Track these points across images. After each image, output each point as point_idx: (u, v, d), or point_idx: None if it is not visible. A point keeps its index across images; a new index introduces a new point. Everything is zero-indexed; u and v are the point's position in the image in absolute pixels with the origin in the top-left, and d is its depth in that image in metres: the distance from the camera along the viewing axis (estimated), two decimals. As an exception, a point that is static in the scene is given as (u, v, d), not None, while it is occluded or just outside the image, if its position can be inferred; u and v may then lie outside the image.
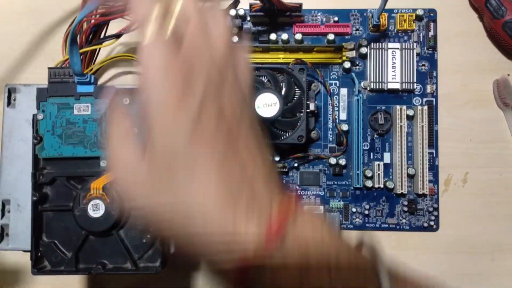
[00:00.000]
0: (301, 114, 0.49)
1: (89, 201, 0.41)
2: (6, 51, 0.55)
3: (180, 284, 0.52)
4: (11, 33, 0.55)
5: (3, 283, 0.52)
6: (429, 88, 0.53)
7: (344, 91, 0.53)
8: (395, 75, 0.52)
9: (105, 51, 0.52)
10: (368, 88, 0.52)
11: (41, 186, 0.43)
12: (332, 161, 0.51)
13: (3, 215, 0.44)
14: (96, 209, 0.41)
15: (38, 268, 0.42)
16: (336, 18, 0.53)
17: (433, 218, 0.51)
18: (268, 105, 0.48)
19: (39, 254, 0.42)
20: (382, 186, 0.51)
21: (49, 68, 0.44)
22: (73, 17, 0.54)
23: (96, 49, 0.48)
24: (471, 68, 0.53)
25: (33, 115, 0.43)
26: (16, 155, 0.44)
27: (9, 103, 0.45)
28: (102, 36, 0.48)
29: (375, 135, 0.52)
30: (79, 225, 0.42)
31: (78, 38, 0.46)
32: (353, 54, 0.51)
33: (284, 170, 0.52)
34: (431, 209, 0.51)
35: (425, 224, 0.51)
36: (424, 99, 0.52)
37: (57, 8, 0.54)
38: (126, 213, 0.42)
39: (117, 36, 0.47)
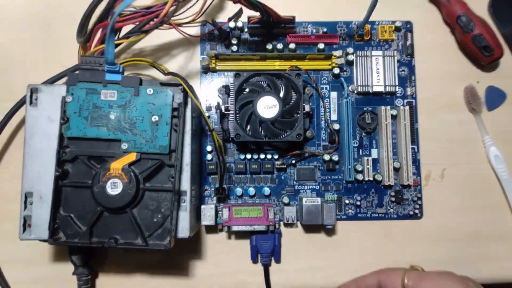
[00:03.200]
0: (298, 115, 0.54)
1: (108, 179, 0.45)
2: (20, 56, 0.58)
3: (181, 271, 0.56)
4: (25, 40, 0.59)
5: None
6: (409, 91, 0.59)
7: (334, 94, 0.58)
8: (379, 79, 0.58)
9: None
10: (355, 91, 0.58)
11: (63, 163, 0.46)
12: (326, 157, 0.56)
13: (25, 207, 0.47)
14: (114, 187, 0.45)
15: (54, 238, 0.45)
16: (325, 29, 0.59)
17: (417, 206, 0.57)
18: (268, 107, 0.53)
19: (56, 226, 0.45)
20: (371, 179, 0.56)
21: (81, 56, 0.48)
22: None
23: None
24: (445, 76, 0.60)
25: (62, 97, 0.46)
26: (38, 151, 0.47)
27: (31, 102, 0.48)
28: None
29: (363, 133, 0.58)
30: (96, 201, 0.45)
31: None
32: (341, 61, 0.57)
33: (283, 167, 0.56)
34: (415, 198, 0.57)
35: (411, 213, 0.57)
36: (405, 100, 0.59)
37: (68, 18, 0.58)
38: (141, 193, 0.46)
39: (146, 31, 0.51)
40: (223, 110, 0.54)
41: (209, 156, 0.56)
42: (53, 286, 0.55)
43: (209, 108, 0.58)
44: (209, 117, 0.57)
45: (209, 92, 0.58)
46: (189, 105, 0.49)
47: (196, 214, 0.53)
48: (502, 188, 0.58)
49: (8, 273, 0.55)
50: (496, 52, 0.57)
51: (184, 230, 0.47)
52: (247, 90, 0.55)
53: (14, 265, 0.55)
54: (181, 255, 0.56)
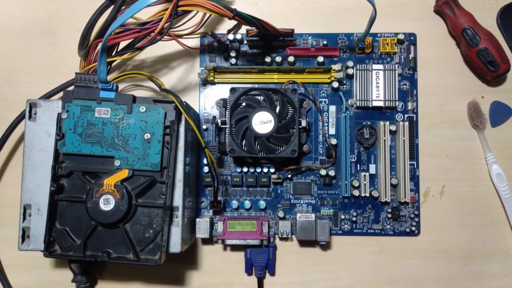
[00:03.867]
0: (294, 130, 0.54)
1: (101, 195, 0.46)
2: (23, 68, 0.60)
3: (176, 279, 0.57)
4: (28, 51, 0.60)
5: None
6: (410, 105, 0.58)
7: (332, 108, 0.58)
8: (379, 94, 0.57)
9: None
10: (354, 106, 0.57)
11: (59, 178, 0.47)
12: (323, 172, 0.56)
13: (24, 219, 0.49)
14: (107, 203, 0.46)
15: (49, 251, 0.46)
16: (325, 42, 0.59)
17: (414, 223, 0.56)
18: (264, 122, 0.53)
19: (52, 239, 0.47)
20: (368, 195, 0.56)
21: (76, 73, 0.49)
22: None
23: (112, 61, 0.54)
24: (448, 90, 0.59)
25: (58, 114, 0.47)
26: (37, 164, 0.49)
27: (30, 117, 0.49)
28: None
29: (361, 148, 0.57)
30: (90, 216, 0.46)
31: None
32: (340, 74, 0.56)
33: (279, 181, 0.57)
34: (412, 215, 0.56)
35: (407, 230, 0.56)
36: (406, 115, 0.58)
37: (71, 29, 0.59)
38: (133, 209, 0.47)
39: (140, 48, 0.52)
40: (219, 124, 0.55)
41: (206, 169, 0.57)
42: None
43: (207, 121, 0.58)
44: (206, 129, 0.58)
45: (207, 104, 0.58)
46: (183, 121, 0.49)
47: (191, 227, 0.54)
48: (503, 206, 0.56)
49: (11, 278, 0.57)
50: (501, 67, 0.55)
51: (175, 245, 0.48)
52: (243, 104, 0.55)
53: (17, 270, 0.57)
54: (176, 265, 0.57)
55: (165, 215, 0.47)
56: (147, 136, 0.47)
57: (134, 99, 0.48)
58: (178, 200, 0.49)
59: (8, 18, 0.60)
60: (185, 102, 0.50)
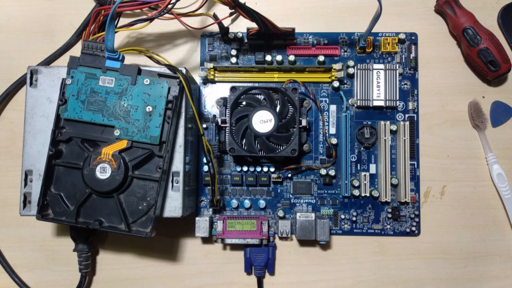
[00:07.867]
0: (294, 130, 0.53)
1: (98, 163, 0.46)
2: (22, 67, 0.59)
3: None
4: (28, 50, 0.60)
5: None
6: (410, 105, 0.58)
7: (333, 107, 0.58)
8: (379, 93, 0.57)
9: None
10: (355, 105, 0.57)
11: (58, 143, 0.47)
12: (323, 171, 0.56)
13: (26, 184, 0.49)
14: (103, 172, 0.46)
15: (42, 214, 0.47)
16: (326, 41, 0.58)
17: (414, 224, 0.56)
18: (264, 121, 0.52)
19: (45, 202, 0.47)
20: (368, 194, 0.56)
21: (84, 40, 0.49)
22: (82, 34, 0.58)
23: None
24: (449, 90, 0.58)
25: (62, 79, 0.47)
26: (38, 130, 0.49)
27: (31, 83, 0.49)
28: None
29: (362, 148, 0.57)
30: (85, 183, 0.46)
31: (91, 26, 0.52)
32: (341, 74, 0.56)
33: (279, 180, 0.56)
34: (413, 215, 0.56)
35: (408, 230, 0.56)
36: (406, 115, 0.57)
37: (71, 29, 0.59)
38: (128, 180, 0.47)
39: (150, 19, 0.52)
40: (219, 123, 0.54)
41: (205, 168, 0.57)
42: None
43: (207, 119, 0.58)
44: (206, 128, 0.57)
45: (208, 103, 0.58)
46: (186, 91, 0.49)
47: (194, 194, 0.55)
48: (504, 207, 0.56)
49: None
50: (502, 67, 0.55)
51: (177, 209, 0.48)
52: (243, 103, 0.55)
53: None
54: (176, 263, 0.57)
55: (160, 188, 0.47)
56: (148, 108, 0.47)
57: (139, 71, 0.48)
58: (179, 165, 0.49)
59: (8, 17, 0.60)
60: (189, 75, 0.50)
